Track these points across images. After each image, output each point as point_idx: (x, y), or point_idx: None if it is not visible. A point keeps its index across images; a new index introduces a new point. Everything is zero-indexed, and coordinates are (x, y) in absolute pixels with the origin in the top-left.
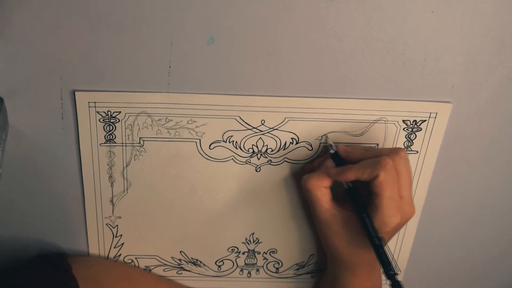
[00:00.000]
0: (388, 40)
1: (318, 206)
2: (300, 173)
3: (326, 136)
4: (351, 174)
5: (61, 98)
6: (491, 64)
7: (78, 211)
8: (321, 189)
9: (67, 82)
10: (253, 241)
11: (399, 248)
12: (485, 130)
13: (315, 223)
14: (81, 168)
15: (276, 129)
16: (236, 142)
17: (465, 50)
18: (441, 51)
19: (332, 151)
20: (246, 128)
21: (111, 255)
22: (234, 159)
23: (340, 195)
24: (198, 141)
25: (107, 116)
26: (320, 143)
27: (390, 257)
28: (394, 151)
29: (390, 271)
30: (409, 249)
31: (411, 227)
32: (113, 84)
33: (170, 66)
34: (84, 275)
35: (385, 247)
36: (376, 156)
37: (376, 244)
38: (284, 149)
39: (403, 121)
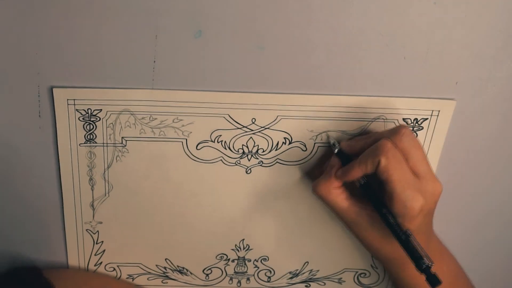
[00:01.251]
0: (388, 32)
1: (337, 209)
2: (294, 175)
3: (327, 135)
4: (356, 171)
5: (38, 95)
6: (498, 58)
7: (56, 216)
8: (332, 192)
9: (44, 78)
10: (243, 248)
11: None
12: (491, 128)
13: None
14: (59, 170)
15: (268, 128)
16: (225, 142)
17: (470, 43)
18: (444, 44)
19: (335, 150)
20: (235, 127)
21: (92, 263)
22: (223, 160)
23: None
24: (184, 141)
25: (87, 114)
26: (314, 143)
27: (420, 250)
28: (394, 131)
29: (423, 265)
30: None
31: None
32: (93, 80)
33: (154, 61)
34: None
35: (413, 240)
36: (377, 141)
37: (403, 240)
38: (276, 150)
39: (403, 119)
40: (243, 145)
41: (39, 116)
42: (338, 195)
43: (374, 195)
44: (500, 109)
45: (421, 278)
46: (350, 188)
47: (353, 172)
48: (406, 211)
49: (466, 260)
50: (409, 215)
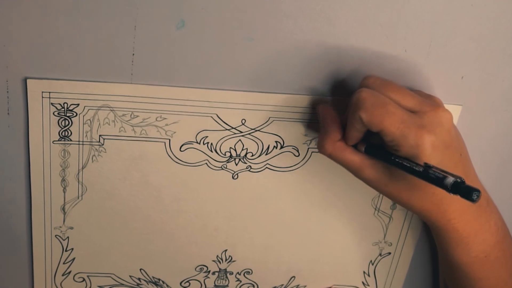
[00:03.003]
0: (387, 22)
1: (351, 165)
2: (284, 182)
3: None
4: (352, 133)
5: (7, 91)
6: (507, 51)
7: (23, 219)
8: (337, 145)
9: (16, 70)
10: (226, 260)
11: (395, 265)
12: (500, 127)
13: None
14: (29, 169)
15: (259, 130)
16: (212, 144)
17: (477, 34)
18: (448, 35)
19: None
20: (223, 128)
21: (59, 272)
22: (208, 163)
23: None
24: (167, 142)
25: (63, 109)
26: (308, 148)
27: (443, 173)
28: (360, 83)
29: (450, 183)
30: (406, 268)
31: (409, 245)
32: (70, 73)
33: (133, 54)
34: None
35: (435, 169)
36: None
37: (420, 172)
38: (266, 154)
39: None
40: (230, 148)
41: (8, 113)
42: (346, 148)
43: (382, 150)
44: (510, 106)
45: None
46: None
47: (350, 135)
48: (417, 151)
49: None
50: (422, 155)
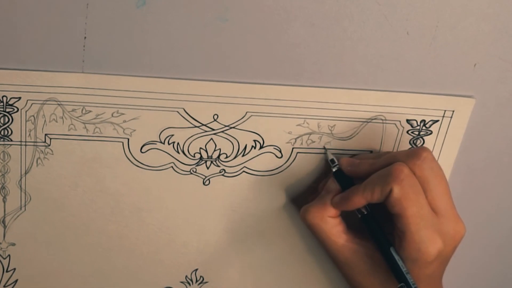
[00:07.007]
0: (387, 0)
1: (329, 244)
2: (265, 188)
3: (325, 148)
4: (358, 199)
5: None
6: None
7: None
8: (326, 220)
9: None
10: (196, 281)
11: None
12: None
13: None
14: None
15: (234, 127)
16: (178, 144)
17: (492, 14)
18: (458, 16)
19: (334, 169)
20: (192, 125)
21: None
22: (174, 167)
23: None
24: (125, 141)
25: (2, 104)
26: (292, 148)
27: None
28: (413, 153)
29: None
30: None
31: None
32: (10, 60)
33: (85, 37)
34: None
35: None
36: (388, 164)
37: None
38: (243, 155)
39: (407, 121)
40: (201, 148)
41: None
42: (333, 227)
43: (379, 230)
44: None
45: None
46: (347, 218)
47: (355, 199)
48: (420, 256)
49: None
50: (422, 261)
